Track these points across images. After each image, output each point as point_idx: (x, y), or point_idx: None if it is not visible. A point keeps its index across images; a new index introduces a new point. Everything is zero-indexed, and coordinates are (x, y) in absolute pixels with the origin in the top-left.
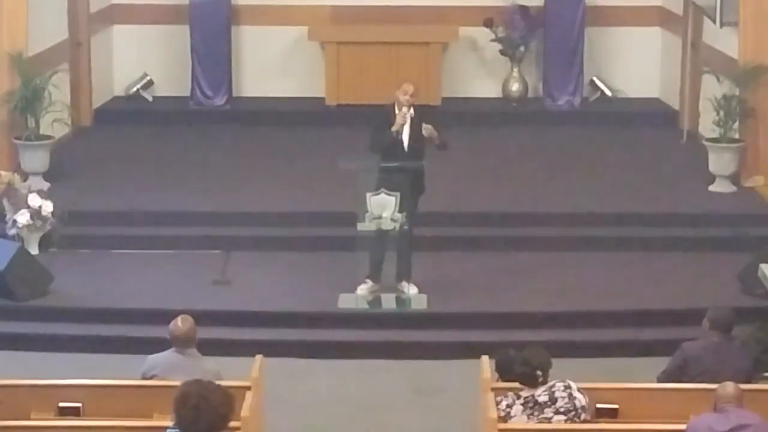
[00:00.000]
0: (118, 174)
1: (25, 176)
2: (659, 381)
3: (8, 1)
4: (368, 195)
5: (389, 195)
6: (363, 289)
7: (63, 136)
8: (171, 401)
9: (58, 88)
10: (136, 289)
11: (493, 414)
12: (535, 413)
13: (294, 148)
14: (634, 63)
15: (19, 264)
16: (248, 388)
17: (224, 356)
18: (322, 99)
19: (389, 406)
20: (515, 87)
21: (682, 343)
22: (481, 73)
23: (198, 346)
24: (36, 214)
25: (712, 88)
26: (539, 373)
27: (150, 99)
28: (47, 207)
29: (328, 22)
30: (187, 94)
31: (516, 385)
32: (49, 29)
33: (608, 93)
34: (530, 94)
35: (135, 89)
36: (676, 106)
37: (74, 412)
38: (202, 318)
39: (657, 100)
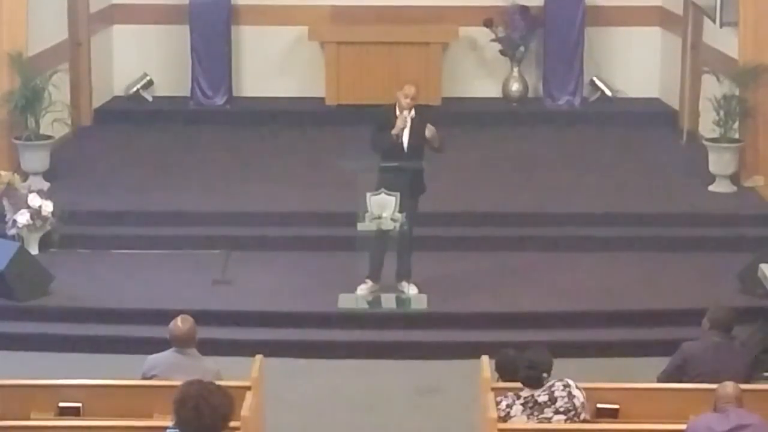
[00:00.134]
0: (118, 174)
1: (25, 176)
2: (659, 381)
3: (8, 1)
4: (368, 195)
5: (389, 195)
6: (363, 289)
7: (63, 136)
8: (171, 401)
9: (58, 88)
10: (136, 289)
11: (493, 414)
12: (535, 413)
13: (294, 148)
14: (634, 63)
15: (19, 264)
16: (248, 388)
17: (224, 356)
18: (322, 99)
19: (389, 406)
20: (515, 87)
21: (682, 343)
22: (481, 73)
23: (198, 346)
24: (36, 214)
25: (712, 88)
26: (545, 375)
27: (150, 99)
28: (47, 207)
29: (328, 22)
30: (187, 94)
31: (516, 385)
32: (49, 29)
33: (608, 93)
34: (530, 94)
35: (135, 89)
36: (676, 106)
37: (74, 412)
38: (202, 318)
39: (657, 100)
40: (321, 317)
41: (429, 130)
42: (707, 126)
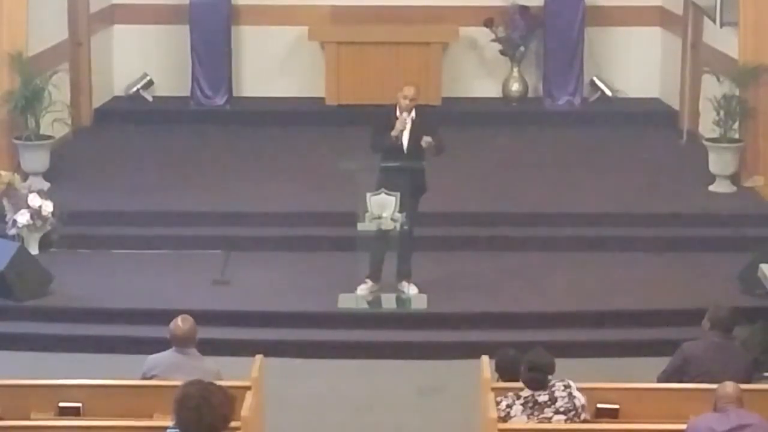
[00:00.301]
0: (118, 174)
1: (25, 176)
2: (659, 381)
3: (8, 1)
4: (368, 195)
5: (389, 195)
6: (363, 289)
7: (63, 136)
8: (171, 401)
9: (58, 88)
10: (136, 289)
11: (493, 414)
12: (535, 413)
13: (294, 148)
14: (634, 63)
15: (19, 264)
16: (248, 388)
17: (224, 356)
18: (322, 99)
19: (389, 406)
20: (515, 87)
21: (682, 343)
22: (481, 73)
23: (198, 346)
24: (36, 214)
25: (712, 88)
26: (550, 377)
27: (150, 99)
28: (47, 207)
29: (328, 22)
30: (187, 94)
31: (516, 385)
32: (49, 29)
33: (608, 93)
34: (530, 94)
35: (135, 89)
36: (676, 106)
37: (74, 412)
38: (202, 318)
39: (657, 100)
40: (321, 317)
41: (425, 141)
42: (707, 126)
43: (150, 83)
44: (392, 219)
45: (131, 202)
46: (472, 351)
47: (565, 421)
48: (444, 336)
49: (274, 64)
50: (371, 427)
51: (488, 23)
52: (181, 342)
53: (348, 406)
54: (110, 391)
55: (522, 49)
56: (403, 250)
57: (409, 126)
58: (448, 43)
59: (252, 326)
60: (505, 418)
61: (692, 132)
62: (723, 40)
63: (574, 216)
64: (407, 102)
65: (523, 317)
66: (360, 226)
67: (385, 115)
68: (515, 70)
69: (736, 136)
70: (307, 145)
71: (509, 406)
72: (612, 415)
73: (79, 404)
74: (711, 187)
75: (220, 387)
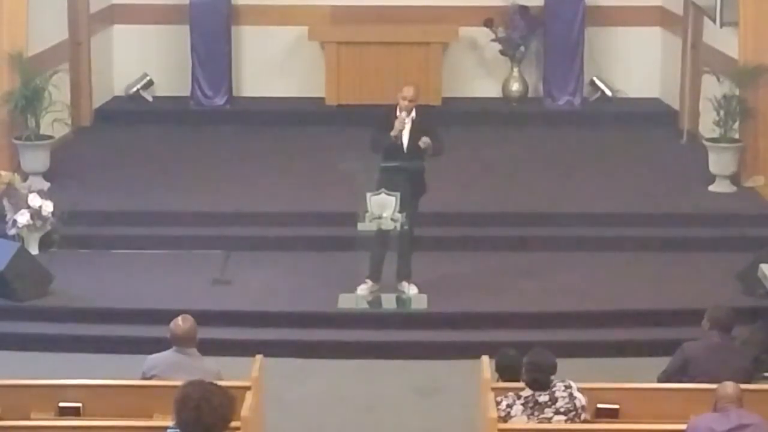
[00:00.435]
0: (118, 174)
1: (25, 176)
2: (659, 381)
3: (8, 1)
4: (368, 195)
5: (389, 195)
6: (363, 289)
7: (63, 136)
8: (171, 401)
9: (58, 88)
10: (136, 289)
11: (493, 414)
12: (536, 413)
13: (294, 148)
14: (634, 63)
15: (19, 264)
16: (248, 388)
17: (224, 356)
18: (322, 99)
19: (389, 406)
20: (515, 87)
21: (683, 343)
22: (481, 73)
23: (198, 346)
24: (36, 214)
25: (712, 88)
26: (551, 378)
27: (150, 99)
28: (47, 207)
29: (328, 22)
30: (187, 94)
31: (516, 385)
32: (49, 29)
33: (608, 93)
34: (530, 94)
35: (135, 89)
36: (676, 106)
37: (74, 412)
38: (202, 318)
39: (657, 100)
40: (321, 317)
41: (423, 142)
42: (707, 126)
43: (150, 83)
44: (392, 219)
45: (131, 202)
46: (472, 351)
47: (566, 421)
48: (444, 336)
49: (274, 64)
50: (371, 427)
51: (488, 23)
52: (181, 342)
53: (348, 406)
54: (110, 391)
55: (522, 49)
56: (403, 250)
57: (408, 126)
58: (448, 43)
59: (252, 326)
60: (506, 418)
61: (692, 132)
62: (723, 40)
63: (574, 216)
64: (407, 102)
65: (523, 317)
66: (360, 226)
67: (386, 115)
68: (515, 70)
69: (736, 136)
70: (307, 145)
71: (509, 406)
72: (612, 415)
73: (79, 404)
74: (711, 187)
75: (221, 387)
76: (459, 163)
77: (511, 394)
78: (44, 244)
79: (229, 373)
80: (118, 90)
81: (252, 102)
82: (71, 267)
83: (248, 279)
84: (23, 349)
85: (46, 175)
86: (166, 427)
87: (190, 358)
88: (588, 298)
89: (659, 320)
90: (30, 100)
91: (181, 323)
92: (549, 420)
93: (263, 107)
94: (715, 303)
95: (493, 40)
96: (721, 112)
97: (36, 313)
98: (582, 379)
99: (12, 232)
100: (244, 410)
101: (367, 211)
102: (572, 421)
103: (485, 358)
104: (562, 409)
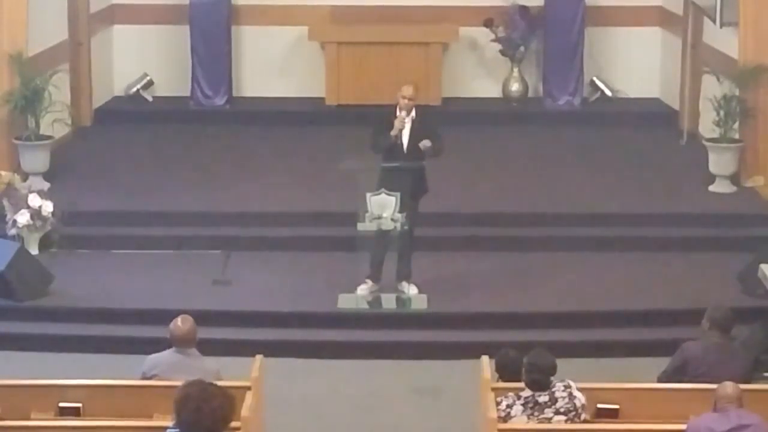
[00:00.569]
0: (118, 174)
1: (25, 176)
2: (659, 381)
3: (8, 1)
4: (368, 195)
5: (389, 195)
6: (363, 289)
7: (63, 136)
8: (171, 401)
9: (58, 88)
10: (136, 289)
11: (493, 414)
12: (536, 413)
13: (294, 148)
14: (634, 63)
15: (19, 264)
16: (248, 388)
17: (224, 356)
18: (322, 99)
19: (389, 406)
20: (515, 87)
21: (682, 343)
22: (481, 73)
23: (198, 346)
24: (36, 214)
25: (712, 88)
26: (552, 379)
27: (150, 99)
28: (47, 207)
29: (328, 22)
30: (187, 94)
31: (516, 385)
32: (49, 29)
33: (608, 93)
34: (530, 94)
35: (135, 89)
36: (676, 106)
37: (74, 412)
38: (202, 318)
39: (657, 100)
40: (321, 317)
41: (423, 145)
42: (707, 126)
43: (150, 83)
44: (392, 219)
45: (131, 202)
46: (472, 351)
47: (566, 421)
48: (444, 336)
49: (274, 64)
50: (371, 427)
51: (488, 23)
52: (181, 342)
53: (348, 406)
54: (110, 391)
55: (522, 49)
56: (403, 250)
57: (408, 126)
58: (448, 43)
59: (252, 326)
60: (505, 418)
61: (692, 132)
62: (723, 40)
63: (574, 216)
64: (406, 101)
65: (523, 317)
66: (360, 226)
67: (386, 116)
68: (515, 70)
69: (736, 136)
70: (307, 145)
71: (509, 406)
72: (612, 415)
73: (79, 404)
74: (711, 187)
75: (220, 387)
76: (459, 163)
77: (511, 394)
78: (44, 244)
79: (229, 373)
80: (118, 90)
81: (252, 102)
82: (71, 267)
83: (248, 279)
84: (23, 349)
85: (46, 175)
86: (166, 428)
87: (190, 358)
88: (588, 298)
89: (659, 320)
90: (30, 100)
91: (180, 324)
92: (549, 420)
93: (263, 107)
94: (715, 303)
95: (493, 40)
96: (721, 113)
97: (36, 313)
98: (582, 379)
99: (12, 232)
100: (244, 410)
101: (367, 212)
102: (572, 421)
103: (485, 358)
104: (562, 410)
